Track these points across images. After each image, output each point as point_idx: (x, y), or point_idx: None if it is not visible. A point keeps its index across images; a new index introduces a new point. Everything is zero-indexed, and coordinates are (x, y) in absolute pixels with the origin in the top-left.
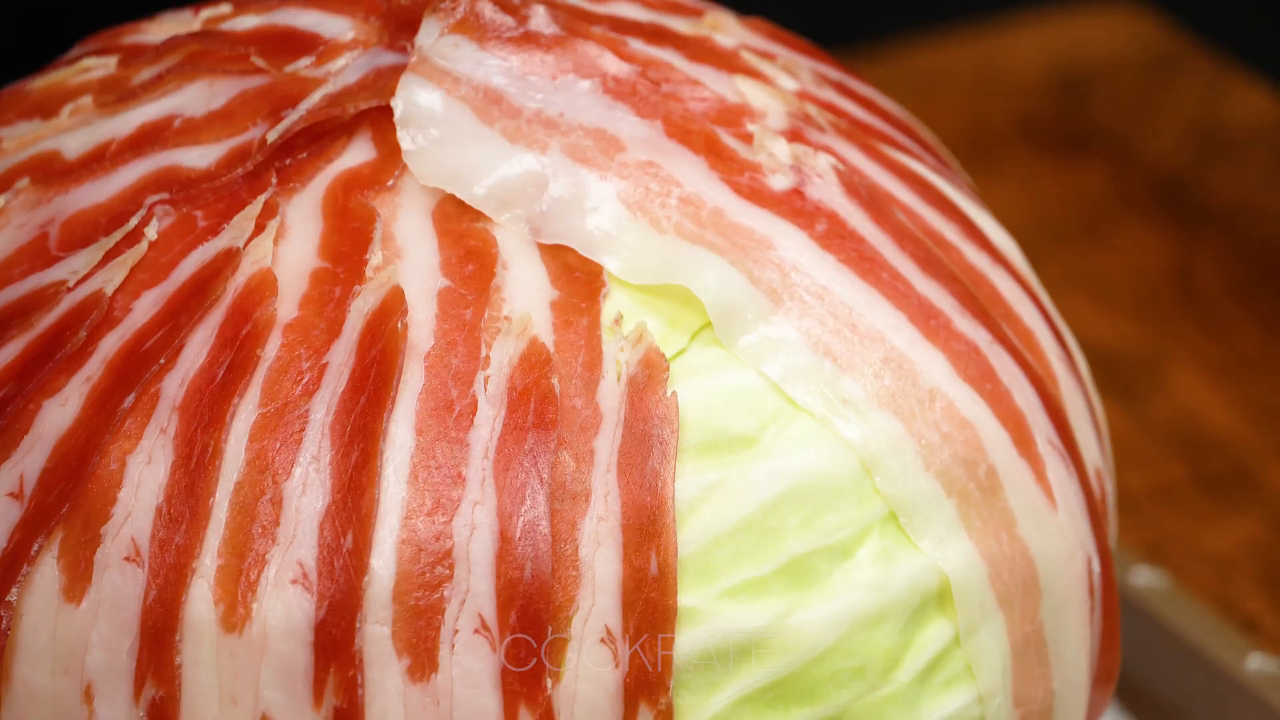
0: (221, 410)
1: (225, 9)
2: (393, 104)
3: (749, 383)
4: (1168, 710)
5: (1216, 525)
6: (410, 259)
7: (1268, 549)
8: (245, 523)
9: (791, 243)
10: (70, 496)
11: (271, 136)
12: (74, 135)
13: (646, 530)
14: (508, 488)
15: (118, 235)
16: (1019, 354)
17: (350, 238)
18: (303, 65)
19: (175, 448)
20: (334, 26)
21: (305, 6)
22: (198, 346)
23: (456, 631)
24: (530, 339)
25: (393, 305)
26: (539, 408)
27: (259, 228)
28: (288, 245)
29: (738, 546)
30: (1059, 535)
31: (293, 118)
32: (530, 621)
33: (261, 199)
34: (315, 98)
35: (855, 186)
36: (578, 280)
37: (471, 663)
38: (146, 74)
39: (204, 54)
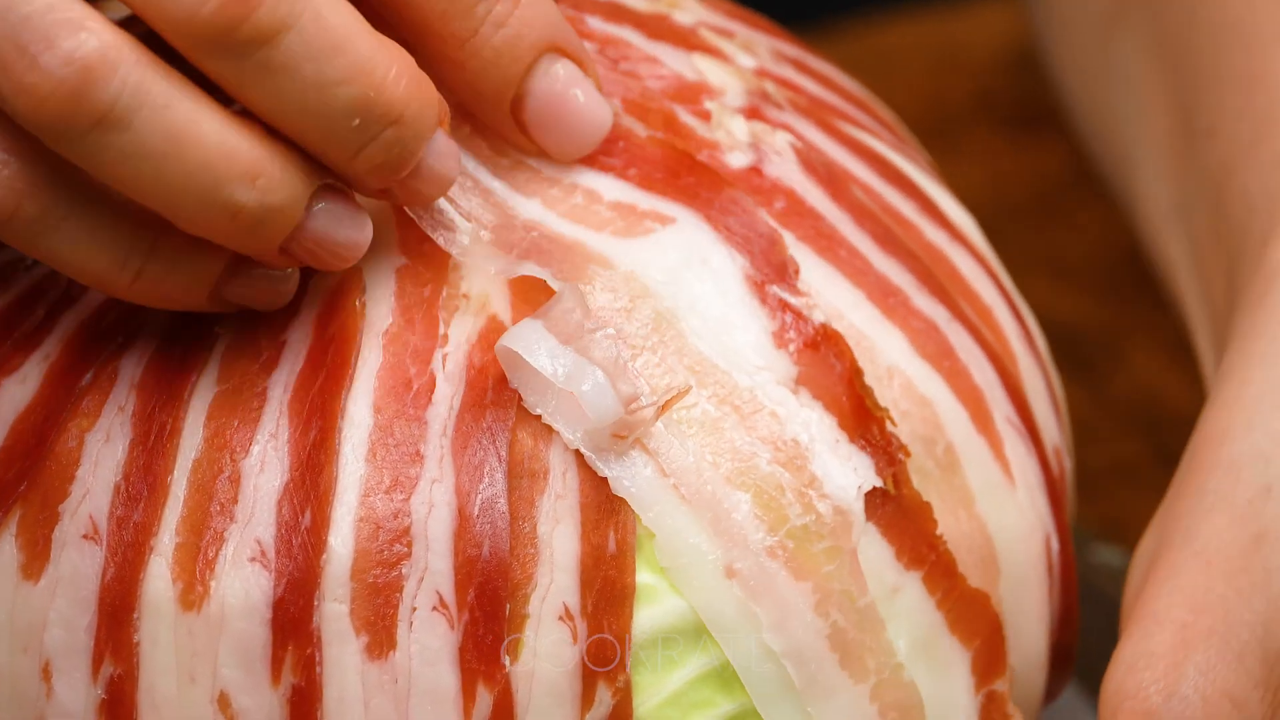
0: (180, 388)
1: None
2: None
3: None
4: None
5: None
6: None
7: None
8: (203, 501)
9: None
10: (29, 474)
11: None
12: None
13: (604, 508)
14: (466, 465)
15: None
16: (977, 331)
17: None
18: None
19: (133, 426)
20: None
21: None
22: (156, 324)
23: (414, 609)
24: (489, 316)
25: (351, 283)
26: (497, 385)
27: None
28: None
29: None
30: (1017, 513)
31: None
32: (488, 599)
33: None
34: None
35: (813, 164)
36: None
37: (430, 640)
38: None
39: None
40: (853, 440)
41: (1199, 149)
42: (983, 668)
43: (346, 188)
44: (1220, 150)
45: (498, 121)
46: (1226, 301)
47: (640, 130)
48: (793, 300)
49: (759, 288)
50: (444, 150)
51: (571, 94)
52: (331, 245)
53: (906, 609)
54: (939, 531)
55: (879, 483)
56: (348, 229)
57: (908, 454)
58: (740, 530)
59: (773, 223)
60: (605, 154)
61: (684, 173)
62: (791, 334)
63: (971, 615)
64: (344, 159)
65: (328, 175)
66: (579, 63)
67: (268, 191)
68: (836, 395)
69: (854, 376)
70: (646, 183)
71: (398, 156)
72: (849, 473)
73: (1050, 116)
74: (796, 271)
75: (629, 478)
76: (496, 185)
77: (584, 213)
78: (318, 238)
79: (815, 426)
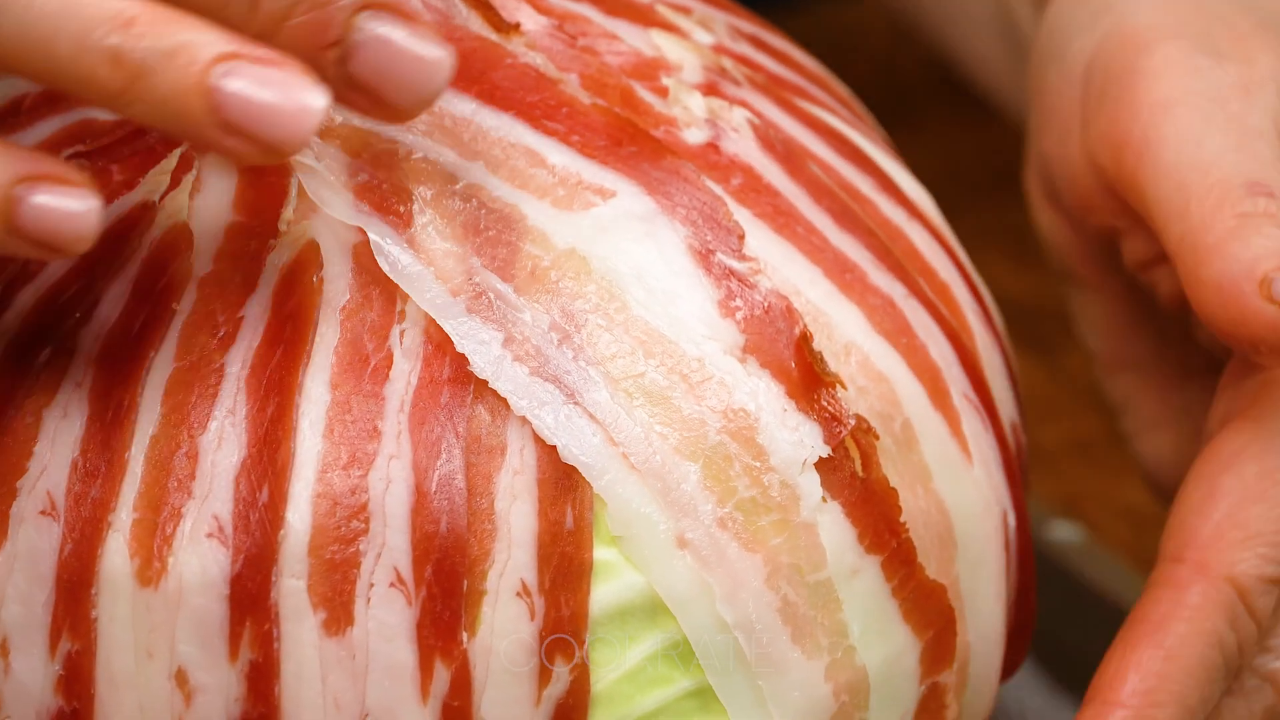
0: (137, 364)
1: None
2: None
3: None
4: (1083, 664)
5: (1132, 479)
6: (326, 213)
7: None
8: (161, 477)
9: None
10: None
11: None
12: None
13: (562, 484)
14: (423, 441)
15: None
16: (934, 308)
17: (266, 192)
18: None
19: (91, 402)
20: None
21: None
22: (113, 300)
23: (372, 585)
24: None
25: (308, 259)
26: (455, 361)
27: (174, 182)
28: (203, 199)
29: None
30: (974, 489)
31: None
32: (446, 575)
33: (177, 153)
34: None
35: (770, 141)
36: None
37: (387, 616)
38: None
39: None
40: (800, 408)
41: None
42: (931, 659)
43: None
44: None
45: (202, 131)
46: None
47: (584, 98)
48: (738, 266)
49: (703, 257)
50: (384, 33)
51: (394, 38)
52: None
53: (863, 592)
54: (902, 519)
55: (827, 451)
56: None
57: (869, 429)
58: (690, 501)
59: (717, 189)
60: (549, 118)
61: (626, 141)
62: (738, 302)
63: (927, 606)
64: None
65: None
66: (393, 10)
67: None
68: (784, 362)
69: (802, 342)
70: (589, 150)
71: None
72: (795, 445)
73: None
74: (741, 237)
75: (578, 445)
76: (447, 155)
77: (526, 176)
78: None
79: (763, 395)
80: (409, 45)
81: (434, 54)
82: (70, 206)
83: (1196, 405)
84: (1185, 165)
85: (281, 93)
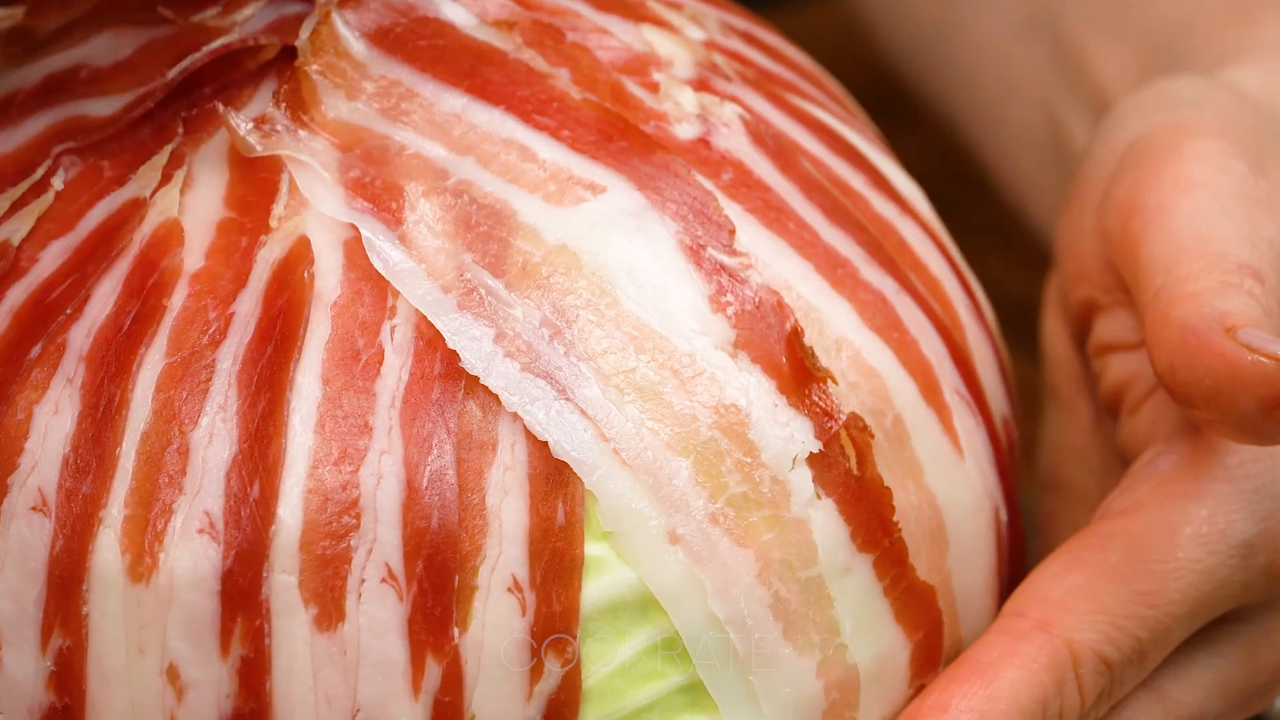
0: (128, 360)
1: None
2: (297, 43)
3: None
4: None
5: None
6: (316, 208)
7: None
8: (152, 473)
9: None
10: None
11: (171, 74)
12: None
13: (553, 479)
14: (414, 437)
15: (24, 185)
16: (926, 303)
17: (257, 188)
18: (209, 15)
19: (82, 398)
20: None
21: None
22: (104, 297)
23: (363, 581)
24: None
25: (299, 255)
26: (446, 357)
27: (165, 178)
28: (194, 195)
29: None
30: (966, 484)
31: (194, 57)
32: (437, 571)
33: (168, 149)
34: (219, 43)
35: (762, 136)
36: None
37: (378, 612)
38: (53, 24)
39: (111, 4)
40: (792, 403)
41: None
42: (920, 661)
43: None
44: None
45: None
46: (1134, 77)
47: (575, 93)
48: (729, 261)
49: (694, 252)
50: None
51: None
52: None
53: (855, 590)
54: (895, 519)
55: (818, 447)
56: None
57: (864, 427)
58: (682, 496)
59: (708, 184)
60: (540, 113)
61: (616, 136)
62: (729, 297)
63: (917, 607)
64: None
65: None
66: None
67: None
68: (775, 357)
69: (793, 337)
70: (579, 145)
71: None
72: (786, 440)
73: None
74: (732, 232)
75: (569, 441)
76: (438, 151)
77: (517, 171)
78: None
79: (754, 391)
80: None
81: None
82: None
83: None
84: (1188, 235)
85: None
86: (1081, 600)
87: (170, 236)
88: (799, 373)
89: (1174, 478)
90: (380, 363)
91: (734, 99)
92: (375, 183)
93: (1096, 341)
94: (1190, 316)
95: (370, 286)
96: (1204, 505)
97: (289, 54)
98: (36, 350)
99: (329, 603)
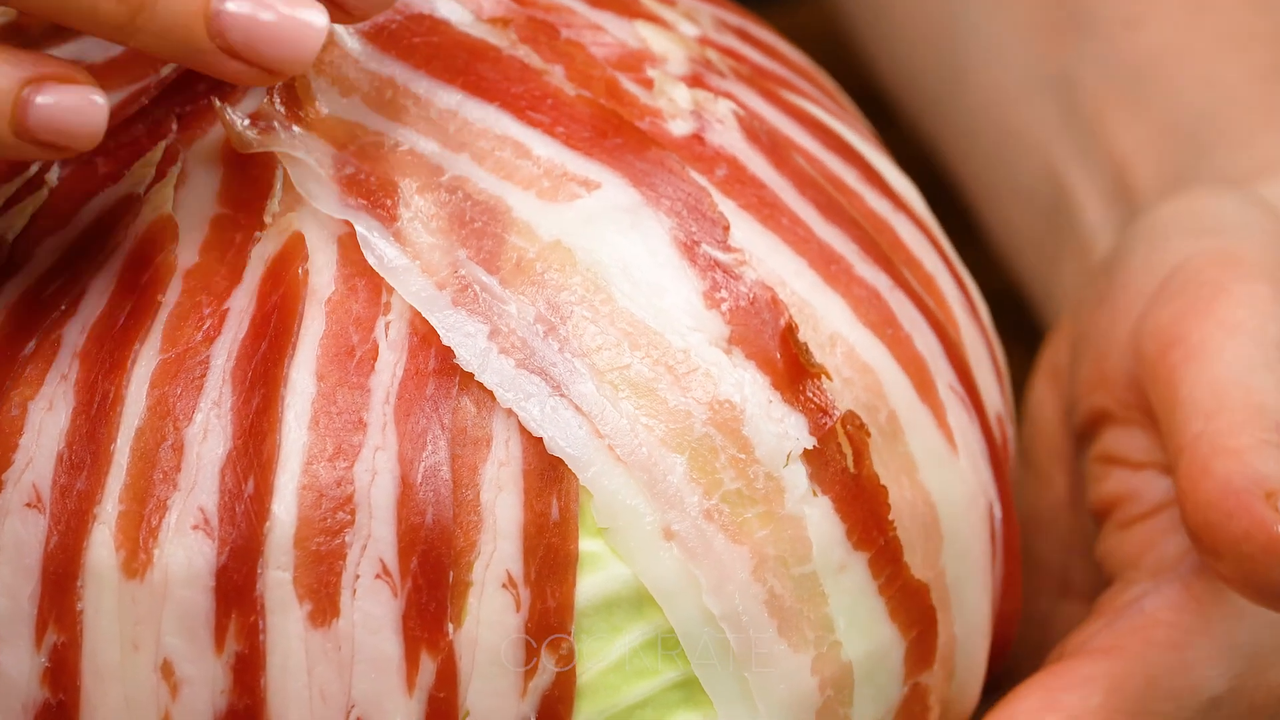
0: (122, 356)
1: None
2: None
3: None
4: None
5: None
6: (311, 204)
7: None
8: (146, 469)
9: None
10: None
11: (165, 70)
12: None
13: (548, 475)
14: (409, 433)
15: (18, 182)
16: (920, 299)
17: (251, 184)
18: None
19: (76, 394)
20: None
21: None
22: (99, 293)
23: (358, 577)
24: None
25: (293, 251)
26: (440, 353)
27: (160, 174)
28: (188, 191)
29: None
30: (960, 481)
31: None
32: (431, 567)
33: (162, 145)
34: None
35: (756, 132)
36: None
37: (373, 608)
38: (48, 21)
39: None
40: (786, 399)
41: (1106, 35)
42: (915, 658)
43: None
44: (1149, 39)
45: (205, 57)
46: (1154, 157)
47: (569, 89)
48: (723, 258)
49: (688, 248)
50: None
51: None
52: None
53: (850, 588)
54: (890, 517)
55: (812, 443)
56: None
57: (861, 425)
58: (677, 493)
59: (702, 180)
60: (534, 110)
61: (611, 132)
62: (723, 293)
63: (911, 605)
64: None
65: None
66: None
67: None
68: (769, 354)
69: (787, 333)
70: (573, 142)
71: None
72: (780, 437)
73: None
74: (726, 228)
75: (564, 437)
76: (430, 146)
77: (511, 168)
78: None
79: (748, 387)
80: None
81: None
82: (76, 102)
83: (1059, 620)
84: (1229, 381)
85: (282, 12)
86: None
87: (164, 232)
88: (793, 369)
89: (1159, 623)
90: (375, 359)
91: (728, 95)
92: (369, 179)
93: (1102, 450)
94: (1234, 476)
95: (364, 283)
96: (1182, 658)
97: None
98: (31, 346)
99: (323, 599)
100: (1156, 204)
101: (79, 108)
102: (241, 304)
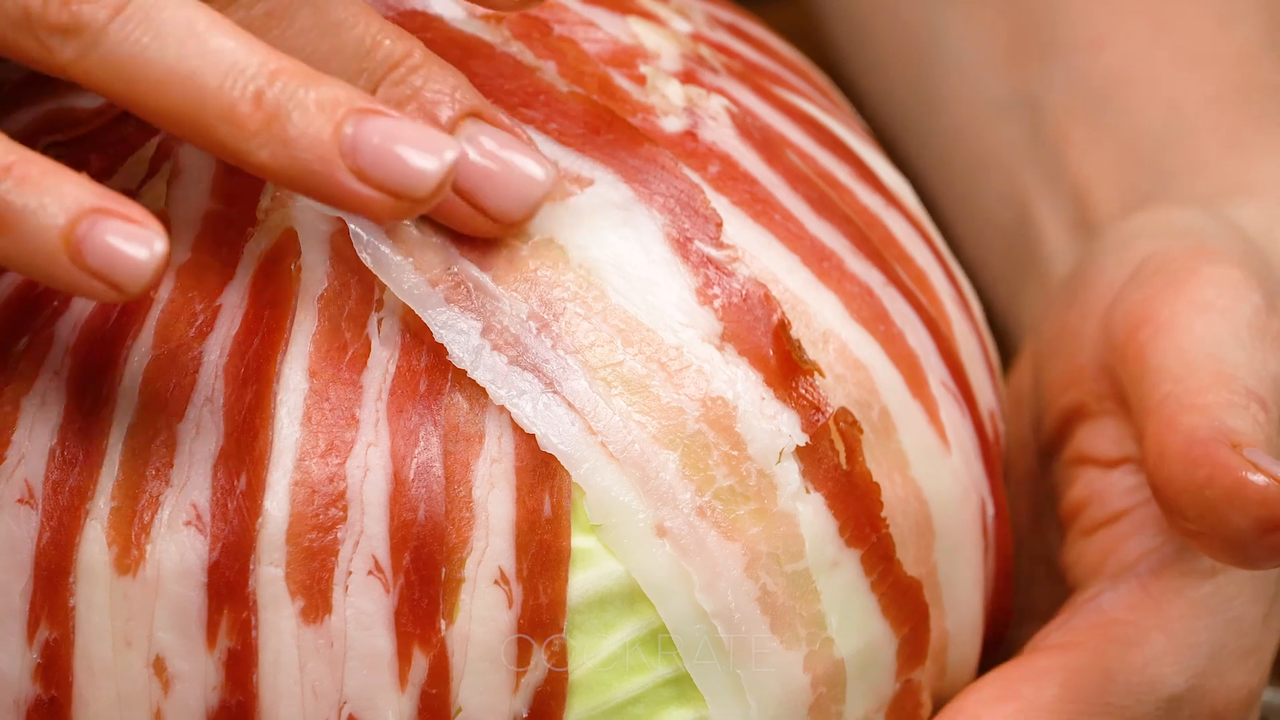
0: (115, 353)
1: None
2: None
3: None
4: None
5: None
6: (303, 200)
7: None
8: (139, 465)
9: None
10: None
11: None
12: None
13: (540, 472)
14: (401, 429)
15: None
16: (912, 295)
17: (243, 180)
18: None
19: (69, 390)
20: None
21: None
22: None
23: (350, 573)
24: None
25: (286, 247)
26: (433, 350)
27: (152, 170)
28: (181, 188)
29: None
30: (952, 477)
31: None
32: (424, 563)
33: (155, 141)
34: None
35: (748, 128)
36: None
37: (365, 604)
38: None
39: None
40: (779, 396)
41: (1070, 57)
42: (907, 655)
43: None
44: (1111, 61)
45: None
46: (1115, 183)
47: (562, 85)
48: (715, 254)
49: (681, 245)
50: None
51: (504, 156)
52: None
53: (842, 585)
54: (883, 514)
55: (804, 440)
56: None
57: (854, 422)
58: (669, 489)
59: (695, 177)
60: (526, 106)
61: (603, 129)
62: (715, 290)
63: (904, 601)
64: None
65: None
66: (501, 126)
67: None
68: (762, 350)
69: (780, 330)
70: (566, 138)
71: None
72: (773, 434)
73: None
74: (719, 225)
75: (556, 434)
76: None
77: None
78: None
79: (741, 383)
80: (516, 164)
81: (535, 170)
82: (137, 251)
83: (1017, 644)
84: (1198, 353)
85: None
86: None
87: None
88: (786, 365)
89: (1114, 621)
90: (367, 355)
91: (720, 91)
92: None
93: (1074, 451)
94: (1199, 427)
95: (357, 279)
96: (1139, 654)
97: None
98: (24, 343)
99: (315, 595)
100: (1118, 224)
101: (137, 258)
102: (234, 300)
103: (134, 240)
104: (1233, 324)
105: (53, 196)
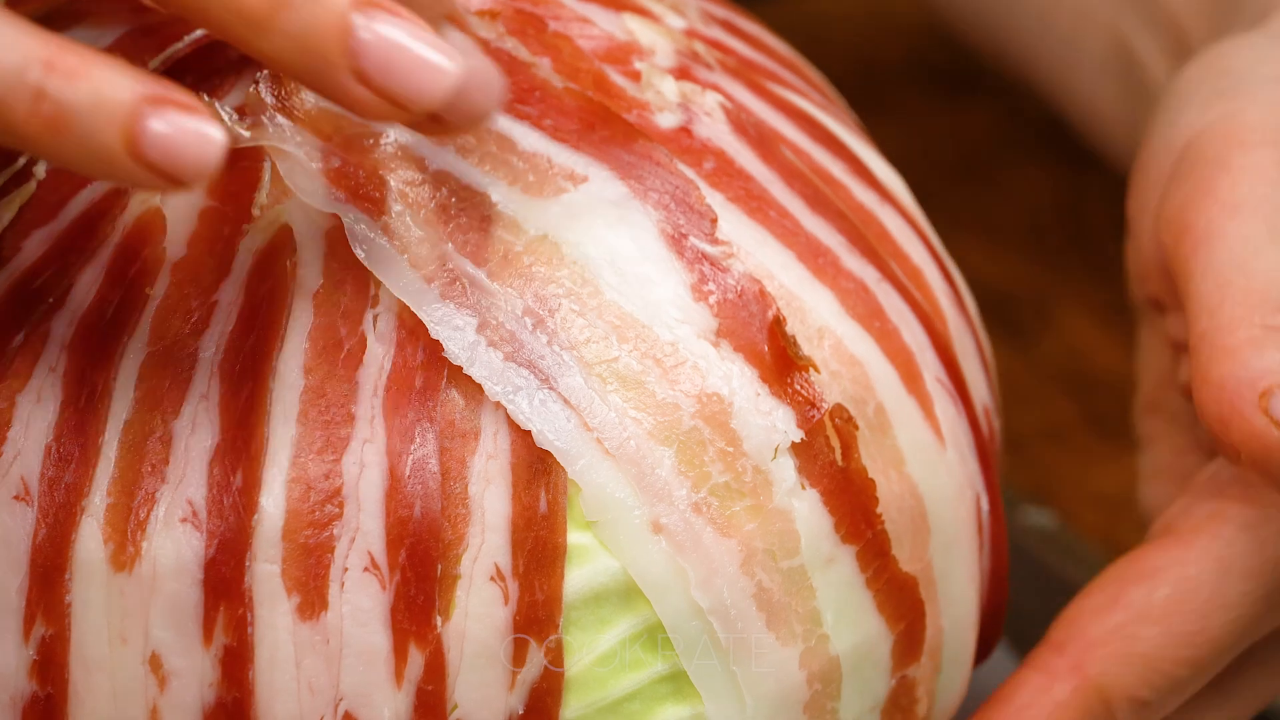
0: (111, 349)
1: None
2: None
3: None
4: None
5: (1105, 465)
6: (298, 197)
7: None
8: (135, 461)
9: None
10: None
11: (153, 64)
12: None
13: (536, 468)
14: (397, 426)
15: (6, 174)
16: (907, 292)
17: (239, 177)
18: None
19: (64, 386)
20: None
21: None
22: (87, 285)
23: (346, 570)
24: None
25: (281, 244)
26: (428, 346)
27: None
28: None
29: None
30: (948, 473)
31: (176, 47)
32: (420, 559)
33: None
34: (200, 32)
35: (743, 124)
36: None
37: (361, 601)
38: (33, 14)
39: None
40: (774, 392)
41: None
42: (902, 651)
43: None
44: None
45: (337, 83)
46: (1202, 6)
47: (557, 82)
48: (710, 250)
49: (676, 241)
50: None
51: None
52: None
53: (837, 581)
54: (878, 509)
55: (799, 436)
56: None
57: (849, 418)
58: (665, 486)
59: (689, 173)
60: (521, 102)
61: (598, 125)
62: (710, 286)
63: (899, 598)
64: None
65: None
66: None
67: None
68: (757, 346)
69: (775, 326)
70: (561, 135)
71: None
72: (768, 430)
73: (981, 79)
74: (714, 221)
75: (552, 430)
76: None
77: (497, 161)
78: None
79: (736, 380)
80: (419, 43)
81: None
82: (200, 130)
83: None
84: (1233, 265)
85: (415, 41)
86: (1119, 643)
87: (152, 225)
88: (781, 361)
89: (1228, 506)
90: (363, 352)
91: (715, 87)
92: (356, 172)
93: (1167, 337)
94: (1227, 378)
95: (352, 276)
96: (1254, 537)
97: None
98: (19, 339)
99: (311, 592)
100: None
101: (200, 138)
102: (230, 297)
103: (190, 131)
104: (1266, 219)
105: (108, 88)
